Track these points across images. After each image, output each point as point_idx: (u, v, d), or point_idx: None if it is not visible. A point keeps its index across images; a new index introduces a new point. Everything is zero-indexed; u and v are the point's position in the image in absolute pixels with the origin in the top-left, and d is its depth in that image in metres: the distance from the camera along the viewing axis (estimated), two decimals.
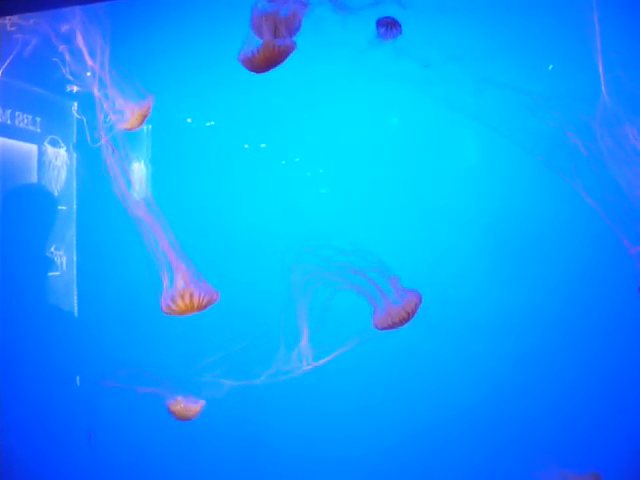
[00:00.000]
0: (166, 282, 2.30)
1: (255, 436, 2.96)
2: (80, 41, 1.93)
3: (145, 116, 2.18)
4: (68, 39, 1.95)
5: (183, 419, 2.61)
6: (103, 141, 2.09)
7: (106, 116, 2.08)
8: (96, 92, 2.00)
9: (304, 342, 2.51)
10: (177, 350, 2.87)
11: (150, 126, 2.75)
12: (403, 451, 2.83)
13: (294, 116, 2.94)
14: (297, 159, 3.03)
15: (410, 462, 2.85)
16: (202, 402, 2.61)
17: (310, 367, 2.47)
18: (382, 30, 2.37)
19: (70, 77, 1.99)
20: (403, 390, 2.85)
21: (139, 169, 2.82)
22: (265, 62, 2.15)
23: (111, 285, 3.00)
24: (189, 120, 2.93)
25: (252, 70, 2.19)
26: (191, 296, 2.29)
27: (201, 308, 2.32)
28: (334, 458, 2.89)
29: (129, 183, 2.39)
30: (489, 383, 2.71)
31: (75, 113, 2.83)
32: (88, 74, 1.96)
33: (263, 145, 3.03)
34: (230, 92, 2.93)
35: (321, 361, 2.47)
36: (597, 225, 2.07)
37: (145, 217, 2.44)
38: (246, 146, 2.99)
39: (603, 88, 1.97)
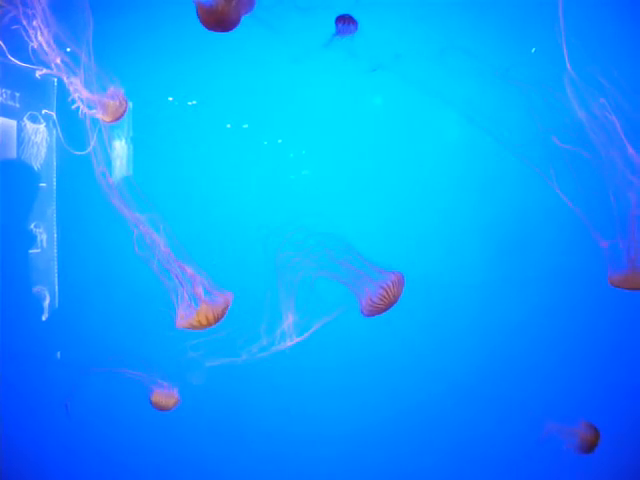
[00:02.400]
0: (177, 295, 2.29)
1: (239, 413, 3.00)
2: (51, 23, 1.88)
3: (119, 111, 2.11)
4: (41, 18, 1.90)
5: (163, 409, 2.63)
6: (82, 116, 2.06)
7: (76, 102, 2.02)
8: (66, 78, 1.95)
9: (288, 321, 2.54)
10: (160, 331, 2.88)
11: (131, 104, 2.72)
12: (389, 426, 2.90)
13: (277, 97, 2.94)
14: (279, 140, 3.03)
15: (396, 437, 2.93)
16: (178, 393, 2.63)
17: (293, 343, 2.49)
18: (340, 26, 2.40)
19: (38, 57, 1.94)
20: (388, 369, 2.91)
21: (120, 147, 2.80)
22: (216, 15, 2.05)
23: (92, 263, 3.00)
24: (170, 99, 2.91)
25: (203, 21, 2.10)
26: (211, 314, 2.30)
27: (220, 318, 2.35)
28: (317, 434, 2.95)
29: (110, 161, 2.38)
30: (473, 353, 2.79)
31: (55, 89, 2.80)
32: (58, 60, 1.91)
33: (245, 125, 3.02)
34: (213, 71, 2.91)
35: (304, 335, 2.49)
36: (569, 218, 2.11)
37: (125, 196, 2.44)
38: (228, 126, 2.98)
39: (567, 77, 1.99)
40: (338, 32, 2.41)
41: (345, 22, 2.39)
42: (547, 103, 2.11)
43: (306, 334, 2.46)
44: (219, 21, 2.03)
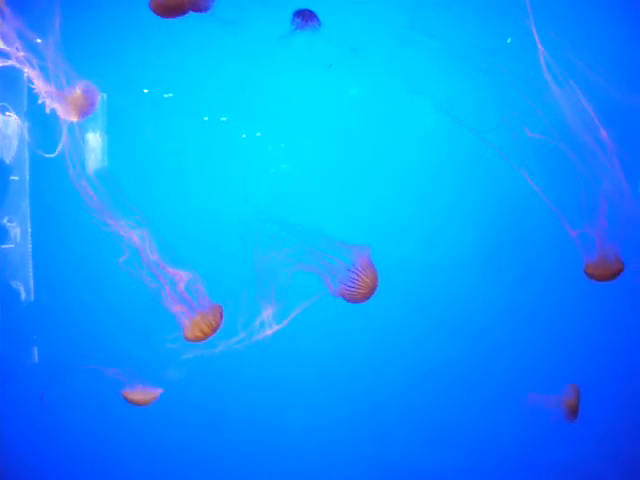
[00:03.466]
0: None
1: (219, 404, 2.99)
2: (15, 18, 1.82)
3: (84, 108, 2.05)
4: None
5: (141, 405, 2.61)
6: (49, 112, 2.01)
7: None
8: (31, 73, 1.89)
9: (266, 312, 2.52)
10: (137, 325, 2.85)
11: (105, 95, 2.68)
12: (371, 413, 2.92)
13: (256, 89, 2.91)
14: (258, 133, 3.00)
15: (379, 424, 2.94)
16: (159, 389, 2.61)
17: (272, 333, 2.48)
18: (299, 21, 2.39)
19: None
20: (369, 357, 2.91)
21: (94, 140, 2.75)
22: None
23: (68, 257, 2.96)
24: (145, 91, 2.86)
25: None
26: (210, 325, 2.31)
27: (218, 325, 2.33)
28: (298, 423, 2.96)
29: (84, 155, 2.34)
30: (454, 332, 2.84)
31: (26, 80, 2.75)
32: (20, 54, 1.86)
33: (224, 118, 2.98)
34: (190, 63, 2.87)
35: (282, 324, 2.47)
36: (540, 208, 2.12)
37: (100, 189, 2.40)
38: (206, 119, 2.94)
39: (543, 66, 1.98)
40: (297, 27, 2.40)
41: (304, 17, 2.38)
42: (516, 89, 2.10)
43: (284, 322, 2.45)
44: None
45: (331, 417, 2.92)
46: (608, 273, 2.12)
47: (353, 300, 2.47)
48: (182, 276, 2.40)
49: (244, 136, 2.98)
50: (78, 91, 1.99)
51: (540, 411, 2.60)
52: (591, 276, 2.16)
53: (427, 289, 2.84)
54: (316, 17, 2.49)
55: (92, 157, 2.74)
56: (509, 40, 2.49)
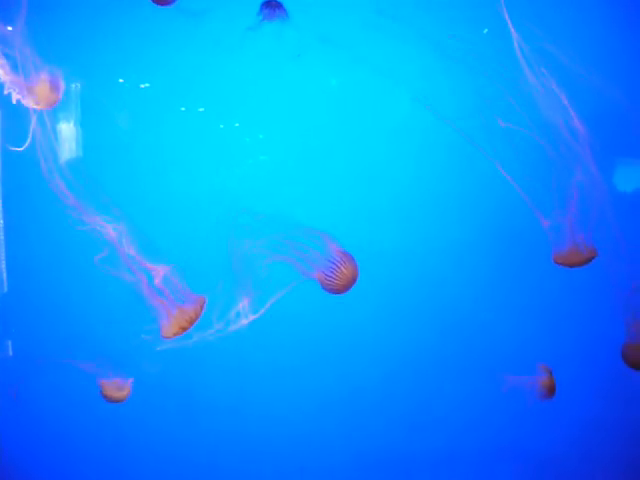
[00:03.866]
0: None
1: (194, 395, 2.97)
2: None
3: (51, 97, 2.00)
4: None
5: (115, 401, 2.59)
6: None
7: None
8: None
9: (242, 303, 2.51)
10: (113, 317, 2.83)
11: (78, 84, 2.64)
12: (347, 402, 2.93)
13: (235, 79, 2.88)
14: (236, 124, 2.98)
15: (355, 412, 2.96)
16: (130, 382, 2.58)
17: (247, 323, 2.47)
18: (267, 11, 2.39)
19: None
20: (345, 347, 2.92)
21: (67, 130, 2.71)
22: None
23: (42, 250, 2.92)
24: (121, 80, 2.83)
25: None
26: (190, 318, 2.27)
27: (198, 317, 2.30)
28: (272, 413, 2.96)
29: (56, 145, 2.31)
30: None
31: None
32: None
33: (201, 109, 2.96)
34: (167, 53, 2.84)
35: (258, 313, 2.46)
36: (512, 197, 2.13)
37: (73, 181, 2.37)
38: (183, 109, 2.91)
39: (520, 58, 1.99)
40: (265, 18, 2.40)
41: (272, 7, 2.37)
42: (488, 77, 2.11)
43: (260, 312, 2.43)
44: None
45: (308, 407, 2.92)
46: (579, 261, 2.14)
47: (331, 291, 2.47)
48: (159, 270, 2.37)
49: (222, 126, 2.96)
50: (43, 80, 1.94)
51: (518, 393, 2.62)
52: (562, 265, 2.19)
53: (404, 279, 2.85)
54: (283, 7, 2.49)
55: (65, 148, 2.70)
56: (485, 30, 2.48)
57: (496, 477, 3.05)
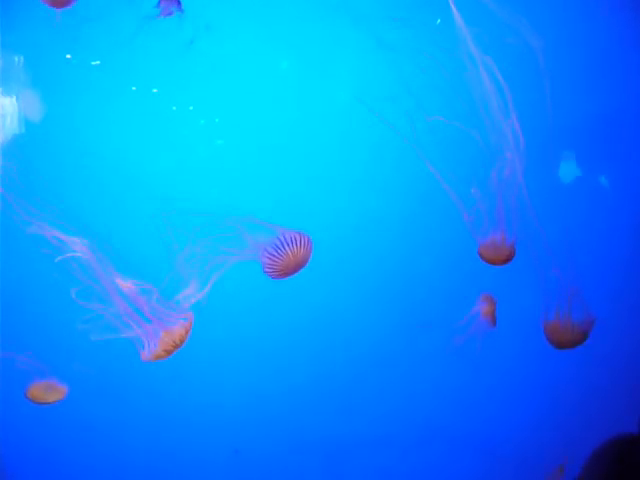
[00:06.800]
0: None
1: (136, 386, 2.90)
2: None
3: None
4: None
5: (43, 403, 2.46)
6: None
7: None
8: None
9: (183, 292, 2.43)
10: (48, 310, 2.72)
11: (22, 57, 2.53)
12: (300, 390, 2.92)
13: (191, 59, 2.80)
14: (191, 107, 2.90)
15: (310, 398, 2.95)
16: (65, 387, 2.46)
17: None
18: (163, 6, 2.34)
19: None
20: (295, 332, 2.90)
21: (10, 105, 2.61)
22: None
23: None
24: (68, 56, 2.72)
25: None
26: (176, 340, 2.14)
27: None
28: (217, 404, 2.92)
29: None
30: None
31: None
32: None
33: (155, 90, 2.87)
34: (119, 28, 2.74)
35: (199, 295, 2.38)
36: (436, 192, 2.12)
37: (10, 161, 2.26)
38: (134, 88, 2.82)
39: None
40: (162, 12, 2.35)
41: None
42: (416, 66, 2.08)
43: (201, 293, 2.35)
44: None
45: (254, 393, 2.89)
46: (500, 257, 2.14)
47: (277, 277, 2.43)
48: (128, 284, 2.22)
49: (174, 109, 2.89)
50: None
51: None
52: (484, 258, 2.19)
53: (342, 264, 2.84)
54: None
55: (7, 123, 2.59)
56: (438, 21, 2.44)
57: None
